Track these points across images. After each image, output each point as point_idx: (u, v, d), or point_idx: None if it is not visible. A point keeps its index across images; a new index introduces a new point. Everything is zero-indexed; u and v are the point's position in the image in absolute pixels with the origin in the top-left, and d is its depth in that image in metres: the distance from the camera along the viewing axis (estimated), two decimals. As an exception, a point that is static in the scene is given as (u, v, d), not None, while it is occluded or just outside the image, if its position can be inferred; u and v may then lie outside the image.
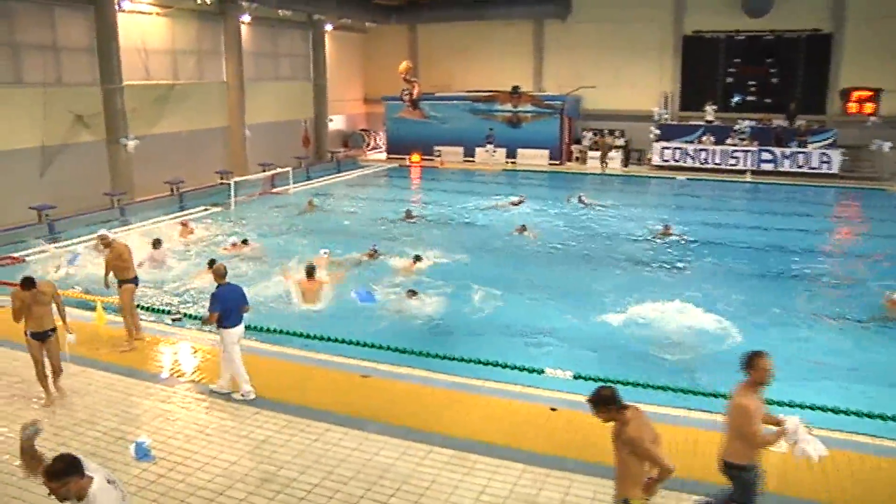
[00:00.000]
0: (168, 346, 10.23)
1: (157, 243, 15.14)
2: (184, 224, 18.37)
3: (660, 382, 8.98)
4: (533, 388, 8.79)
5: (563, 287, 13.57)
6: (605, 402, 5.22)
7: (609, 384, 5.43)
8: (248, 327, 10.81)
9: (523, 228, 17.64)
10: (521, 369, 9.36)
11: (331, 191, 26.37)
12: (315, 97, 33.58)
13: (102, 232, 10.88)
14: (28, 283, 8.38)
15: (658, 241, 17.26)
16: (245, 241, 16.77)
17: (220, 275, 8.60)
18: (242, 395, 8.52)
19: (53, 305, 8.57)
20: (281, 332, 10.80)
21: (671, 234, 17.64)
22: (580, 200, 22.71)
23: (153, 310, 11.91)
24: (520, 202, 22.23)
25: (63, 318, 8.64)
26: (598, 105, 32.90)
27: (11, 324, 8.63)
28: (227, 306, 8.49)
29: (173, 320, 11.28)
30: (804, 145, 27.84)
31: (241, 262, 15.24)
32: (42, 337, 8.43)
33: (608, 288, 13.54)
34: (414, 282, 13.77)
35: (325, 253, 14.80)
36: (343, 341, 10.37)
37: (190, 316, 11.51)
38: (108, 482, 4.48)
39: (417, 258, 14.82)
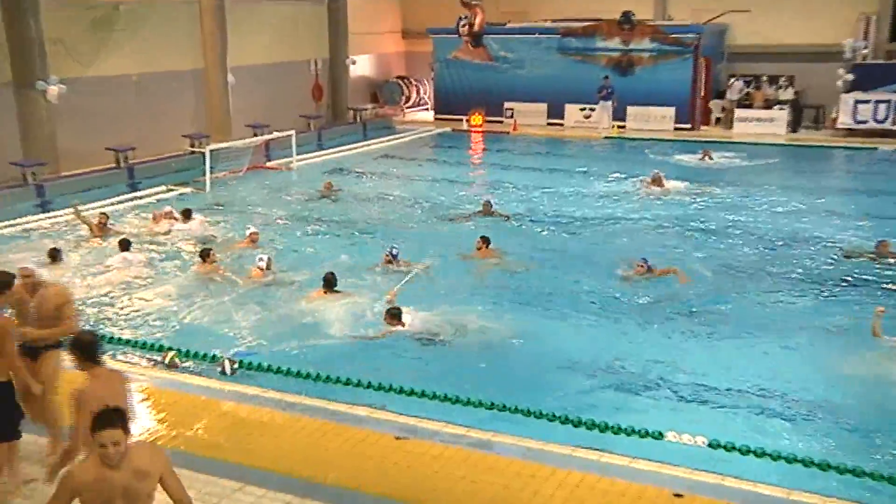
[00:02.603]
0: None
1: (124, 244, 15.91)
2: (157, 216, 18.82)
3: (847, 463, 8.67)
4: (647, 462, 8.59)
5: (697, 314, 13.33)
6: (74, 346, 6.28)
7: (94, 332, 6.30)
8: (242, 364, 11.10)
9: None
10: (630, 432, 9.13)
11: (353, 165, 26.63)
12: (330, 28, 33.99)
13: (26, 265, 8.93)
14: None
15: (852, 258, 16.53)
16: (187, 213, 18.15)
17: None
18: None
19: None
20: (279, 370, 10.87)
21: (890, 254, 16.10)
22: (705, 156, 23.91)
23: (145, 346, 11.91)
24: (657, 180, 22.10)
25: None
26: (752, 39, 32.39)
27: None
28: None
29: (169, 365, 11.24)
30: None
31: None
32: None
33: (767, 318, 13.20)
34: (485, 297, 13.86)
35: (261, 261, 15.04)
36: (369, 386, 10.41)
37: (193, 355, 11.51)
38: None
39: (486, 240, 16.00)
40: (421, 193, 22.33)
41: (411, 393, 10.12)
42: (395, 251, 15.29)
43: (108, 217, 18.08)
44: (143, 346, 11.87)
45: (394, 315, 12.59)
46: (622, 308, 13.65)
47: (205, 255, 15.30)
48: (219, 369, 11.01)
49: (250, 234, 16.96)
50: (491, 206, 19.52)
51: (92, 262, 15.93)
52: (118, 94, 25.20)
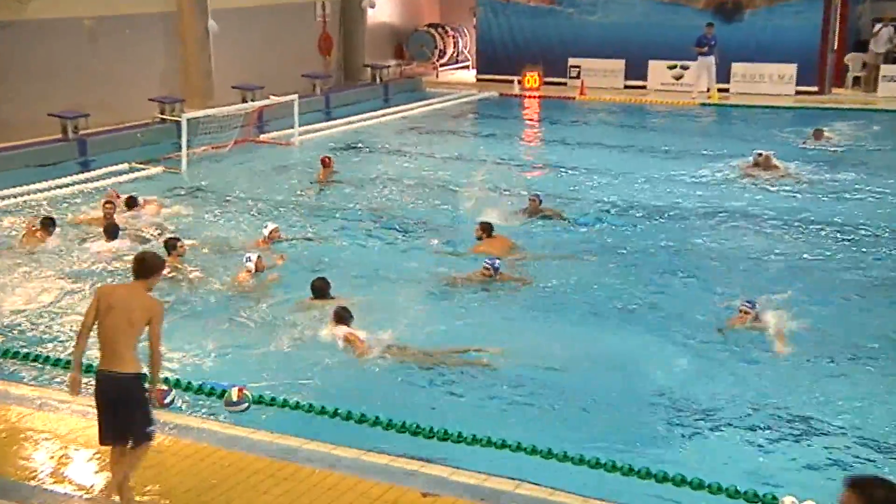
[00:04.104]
0: (45, 434, 10.28)
1: (111, 231, 16.50)
2: (133, 202, 18.95)
3: None
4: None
5: (818, 341, 13.12)
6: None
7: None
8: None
9: None
10: (734, 494, 8.98)
11: (369, 140, 26.63)
12: (342, -39, 34.09)
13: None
14: None
15: None
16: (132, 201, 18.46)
17: None
18: None
19: None
20: (271, 401, 10.86)
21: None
22: (817, 135, 23.77)
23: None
24: (763, 161, 21.94)
25: None
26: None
27: None
28: None
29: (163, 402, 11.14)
30: None
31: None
32: None
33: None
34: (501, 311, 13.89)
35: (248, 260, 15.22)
36: (389, 426, 10.43)
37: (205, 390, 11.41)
38: None
39: (485, 227, 16.51)
40: (455, 178, 22.13)
41: (445, 436, 10.07)
42: (497, 264, 15.39)
43: (114, 206, 18.19)
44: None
45: (339, 315, 12.85)
46: (707, 332, 13.45)
47: (171, 245, 15.45)
48: (235, 399, 10.92)
49: (270, 231, 17.00)
50: (539, 202, 19.31)
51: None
52: (65, 44, 25.20)
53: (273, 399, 10.95)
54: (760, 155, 22.14)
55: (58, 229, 16.98)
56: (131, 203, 18.56)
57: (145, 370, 8.36)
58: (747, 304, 13.54)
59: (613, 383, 11.96)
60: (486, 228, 16.52)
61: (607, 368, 12.36)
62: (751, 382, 12.06)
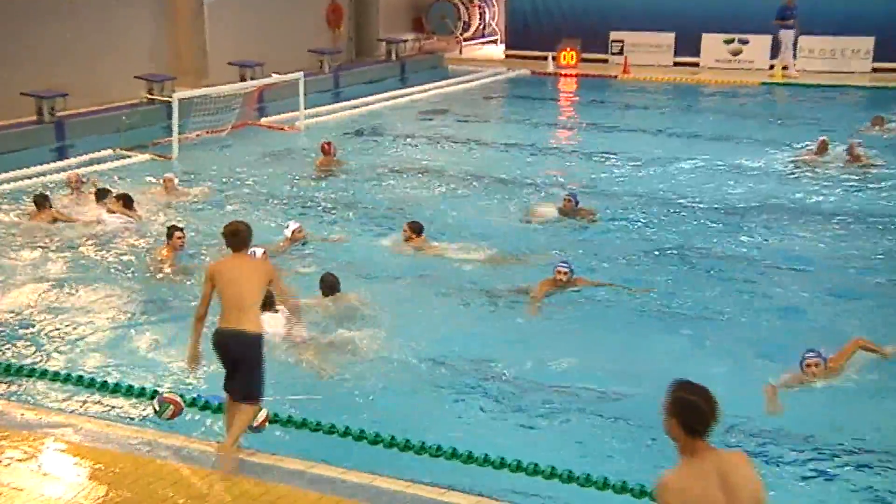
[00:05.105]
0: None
1: (125, 199, 17.69)
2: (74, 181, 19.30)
3: None
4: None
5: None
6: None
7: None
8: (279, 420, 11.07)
9: None
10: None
11: (383, 125, 26.75)
12: (354, -80, 34.19)
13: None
14: None
15: None
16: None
17: None
18: None
19: None
20: (316, 426, 10.77)
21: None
22: (877, 122, 23.92)
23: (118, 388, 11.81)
24: (822, 149, 21.96)
25: None
26: None
27: None
28: None
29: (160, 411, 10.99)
30: None
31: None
32: None
33: None
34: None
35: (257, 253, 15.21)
36: (406, 447, 10.35)
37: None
38: None
39: (415, 227, 16.75)
40: (479, 169, 22.13)
41: (469, 459, 10.01)
42: (570, 266, 15.30)
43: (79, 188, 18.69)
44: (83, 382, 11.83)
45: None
46: (760, 348, 13.23)
47: (169, 234, 15.70)
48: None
49: (293, 232, 17.09)
50: (574, 202, 19.21)
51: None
52: (41, 15, 25.24)
53: (276, 416, 10.85)
54: (823, 141, 22.14)
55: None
56: (101, 195, 18.50)
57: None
58: (811, 354, 12.24)
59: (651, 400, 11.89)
60: (416, 229, 16.63)
61: (645, 383, 12.19)
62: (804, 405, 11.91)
